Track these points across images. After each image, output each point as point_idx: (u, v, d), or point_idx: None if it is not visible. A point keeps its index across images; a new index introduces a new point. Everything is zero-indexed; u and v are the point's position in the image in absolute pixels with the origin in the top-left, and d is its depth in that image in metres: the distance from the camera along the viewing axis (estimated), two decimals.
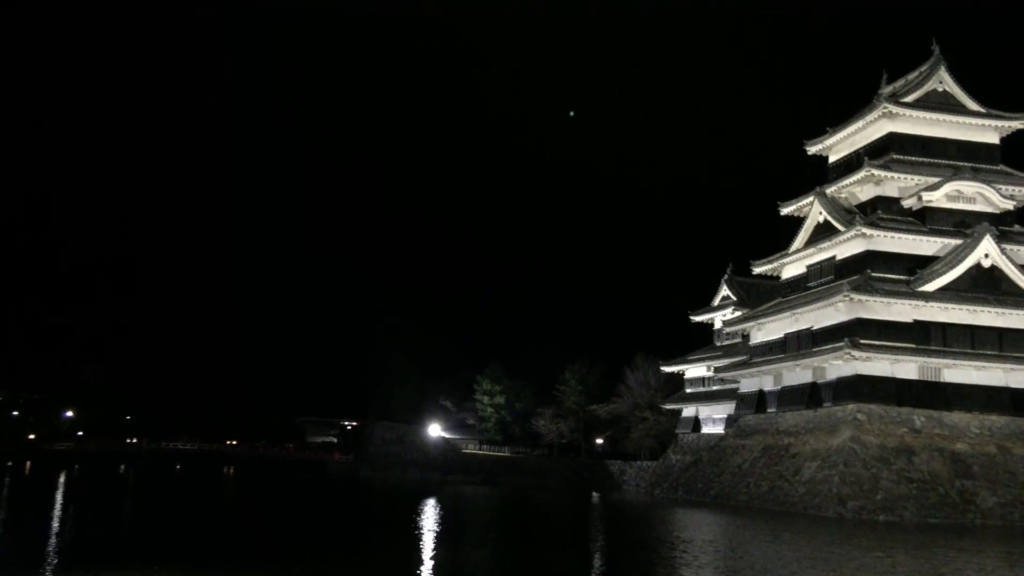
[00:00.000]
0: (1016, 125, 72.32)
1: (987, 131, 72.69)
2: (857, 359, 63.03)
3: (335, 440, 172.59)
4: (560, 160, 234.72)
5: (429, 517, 46.87)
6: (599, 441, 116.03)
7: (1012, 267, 65.91)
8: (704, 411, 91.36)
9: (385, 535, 38.85)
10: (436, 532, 39.62)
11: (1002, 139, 73.10)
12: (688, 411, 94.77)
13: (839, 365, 65.16)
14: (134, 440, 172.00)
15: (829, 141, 77.74)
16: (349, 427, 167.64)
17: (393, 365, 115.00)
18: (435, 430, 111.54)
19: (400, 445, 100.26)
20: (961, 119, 71.95)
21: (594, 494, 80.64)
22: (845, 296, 63.01)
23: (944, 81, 73.00)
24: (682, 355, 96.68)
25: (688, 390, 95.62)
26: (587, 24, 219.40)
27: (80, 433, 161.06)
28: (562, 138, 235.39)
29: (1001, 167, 72.30)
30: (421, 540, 36.01)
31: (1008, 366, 64.37)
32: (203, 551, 31.83)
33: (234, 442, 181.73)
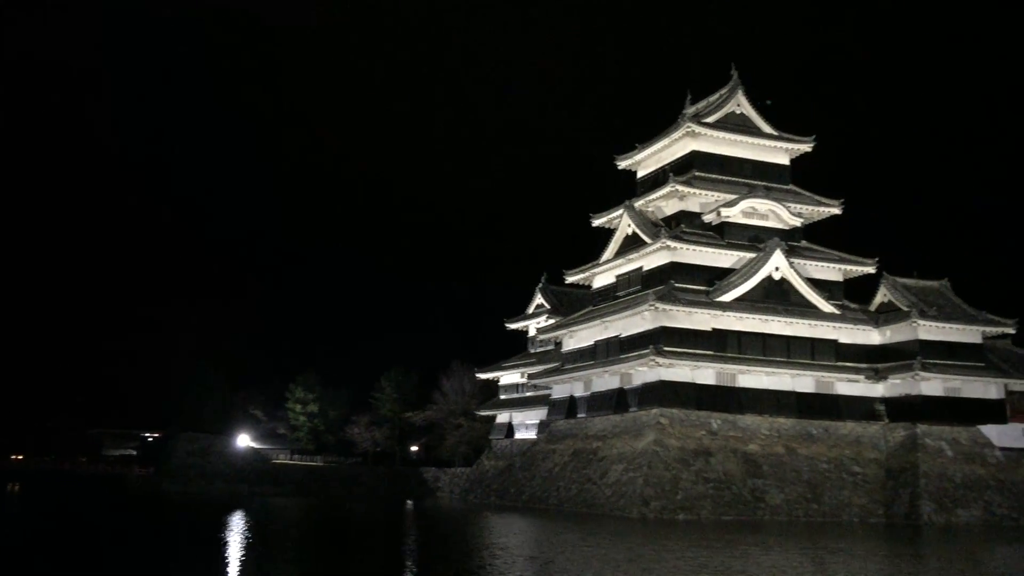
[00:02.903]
0: (804, 148, 78.16)
1: (779, 152, 78.14)
2: (661, 365, 65.92)
3: (134, 453, 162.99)
4: (381, 169, 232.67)
5: (234, 532, 44.95)
6: (414, 448, 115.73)
7: (799, 279, 71.02)
8: (518, 417, 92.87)
9: (185, 553, 36.87)
10: (241, 548, 38.00)
11: (792, 160, 78.83)
12: (502, 417, 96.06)
13: (644, 371, 67.92)
14: None
15: (638, 157, 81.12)
16: (150, 439, 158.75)
17: (198, 373, 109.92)
18: (243, 440, 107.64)
19: (205, 457, 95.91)
20: (756, 140, 76.97)
21: (408, 502, 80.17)
22: (651, 305, 65.77)
23: (742, 104, 77.87)
24: (497, 362, 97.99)
25: (502, 396, 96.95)
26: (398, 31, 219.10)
27: None
28: (389, 147, 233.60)
29: (791, 186, 77.88)
30: (224, 557, 34.41)
31: (795, 371, 69.25)
32: None
33: (19, 456, 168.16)
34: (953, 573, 34.49)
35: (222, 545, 38.35)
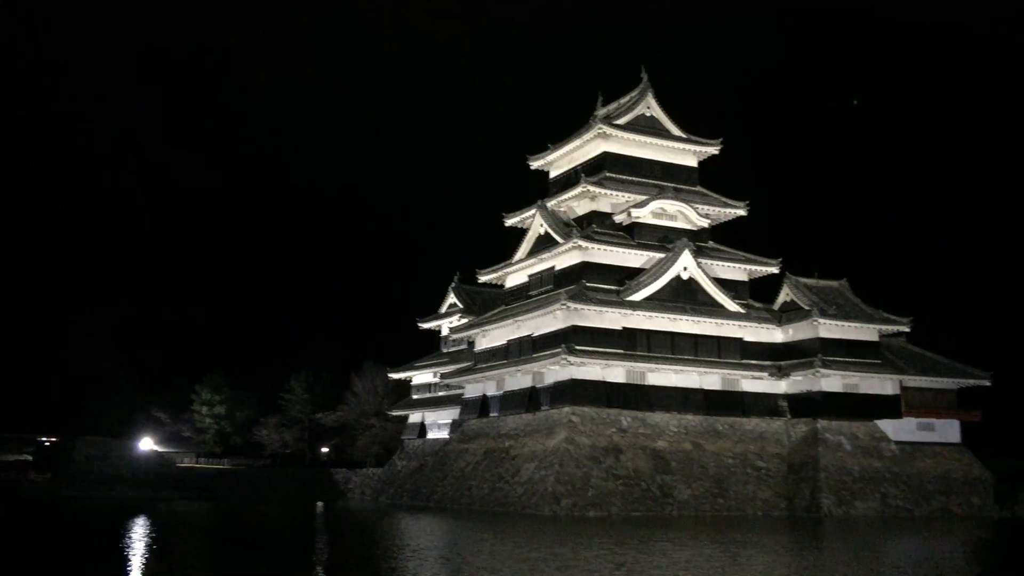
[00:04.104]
0: (711, 150, 79.92)
1: (687, 155, 79.73)
2: (573, 364, 66.52)
3: (30, 458, 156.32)
4: (285, 166, 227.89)
5: (136, 538, 43.56)
6: (325, 450, 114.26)
7: (706, 279, 72.61)
8: (430, 417, 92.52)
9: (84, 561, 35.54)
10: (144, 554, 36.83)
11: (699, 162, 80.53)
12: (415, 417, 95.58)
13: (556, 370, 68.45)
14: None
15: (550, 157, 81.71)
16: (47, 443, 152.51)
17: (99, 375, 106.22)
18: (147, 444, 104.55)
19: (106, 461, 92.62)
20: (665, 143, 78.36)
21: (319, 504, 79.03)
22: (563, 305, 66.33)
23: (651, 107, 79.18)
24: (410, 362, 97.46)
25: (415, 396, 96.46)
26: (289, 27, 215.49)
27: None
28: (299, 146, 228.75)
29: (698, 188, 79.55)
30: (127, 564, 33.30)
31: (702, 369, 70.77)
32: None
33: None
34: (855, 563, 35.74)
35: (124, 551, 37.12)
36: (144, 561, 34.57)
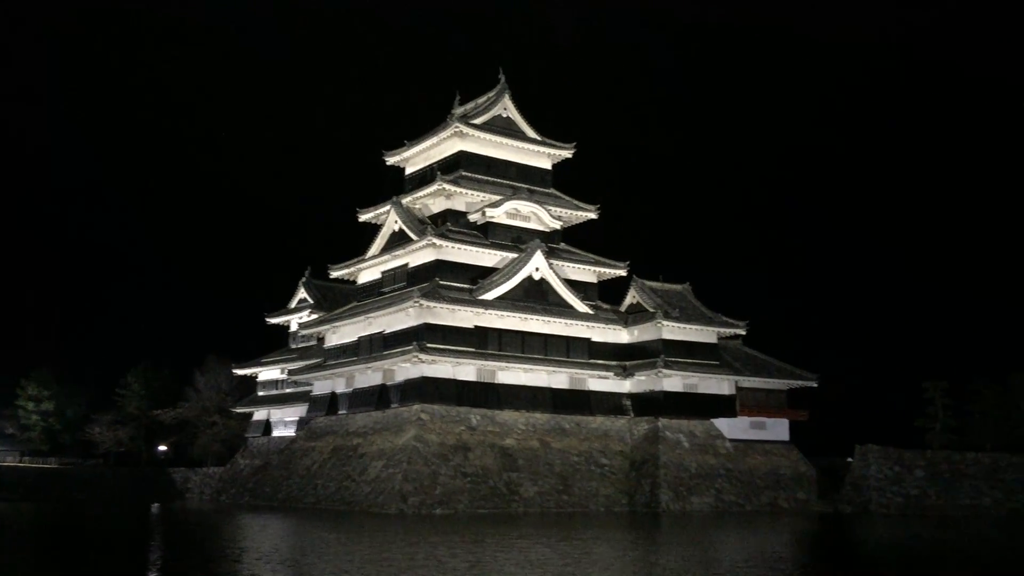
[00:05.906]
0: (564, 154, 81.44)
1: (542, 157, 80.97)
2: (424, 362, 66.42)
3: None
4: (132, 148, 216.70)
5: None
6: (163, 448, 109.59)
7: (557, 280, 73.99)
8: (276, 414, 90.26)
9: None
10: None
11: (554, 165, 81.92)
12: (260, 414, 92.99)
13: (407, 368, 68.14)
14: None
15: (407, 154, 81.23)
16: None
17: None
18: None
19: None
20: (521, 144, 79.30)
21: (154, 505, 75.67)
22: (415, 302, 66.10)
23: (508, 108, 79.95)
24: (256, 357, 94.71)
25: (261, 393, 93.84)
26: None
27: None
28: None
29: (552, 190, 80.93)
30: None
31: (551, 368, 72.09)
32: None
33: None
34: (700, 555, 37.19)
35: None
36: None
